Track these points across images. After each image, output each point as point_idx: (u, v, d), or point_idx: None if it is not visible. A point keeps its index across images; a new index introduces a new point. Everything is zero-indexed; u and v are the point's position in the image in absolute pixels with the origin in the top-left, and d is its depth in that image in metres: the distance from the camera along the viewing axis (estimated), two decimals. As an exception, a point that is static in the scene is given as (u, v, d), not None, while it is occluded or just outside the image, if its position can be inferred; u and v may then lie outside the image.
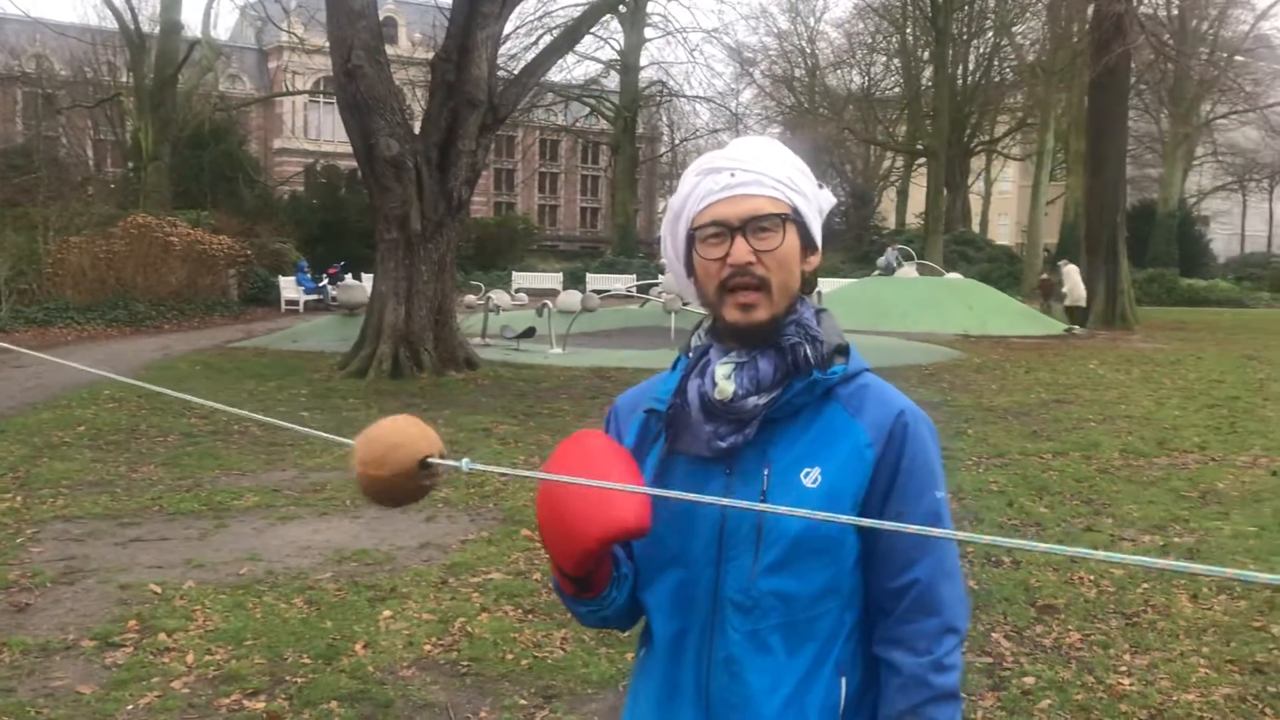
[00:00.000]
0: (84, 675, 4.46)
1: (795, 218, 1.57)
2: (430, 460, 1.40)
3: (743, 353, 1.57)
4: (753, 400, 1.53)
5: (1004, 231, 66.58)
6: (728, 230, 1.54)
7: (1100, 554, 0.97)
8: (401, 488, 1.41)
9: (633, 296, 26.94)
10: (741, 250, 1.53)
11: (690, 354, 1.64)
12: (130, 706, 4.16)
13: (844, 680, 1.55)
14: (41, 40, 42.71)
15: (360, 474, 1.42)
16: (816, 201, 1.62)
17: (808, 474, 1.52)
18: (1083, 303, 24.56)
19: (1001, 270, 40.08)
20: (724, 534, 1.55)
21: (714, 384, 1.56)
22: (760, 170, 1.56)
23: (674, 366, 1.66)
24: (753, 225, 1.53)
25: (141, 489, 7.78)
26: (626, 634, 4.83)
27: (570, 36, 17.95)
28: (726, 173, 1.56)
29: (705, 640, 1.56)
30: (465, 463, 1.39)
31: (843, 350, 1.58)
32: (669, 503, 1.56)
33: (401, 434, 1.42)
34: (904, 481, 1.54)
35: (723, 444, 1.54)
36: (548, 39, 34.30)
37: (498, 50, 15.10)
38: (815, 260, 1.62)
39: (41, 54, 43.14)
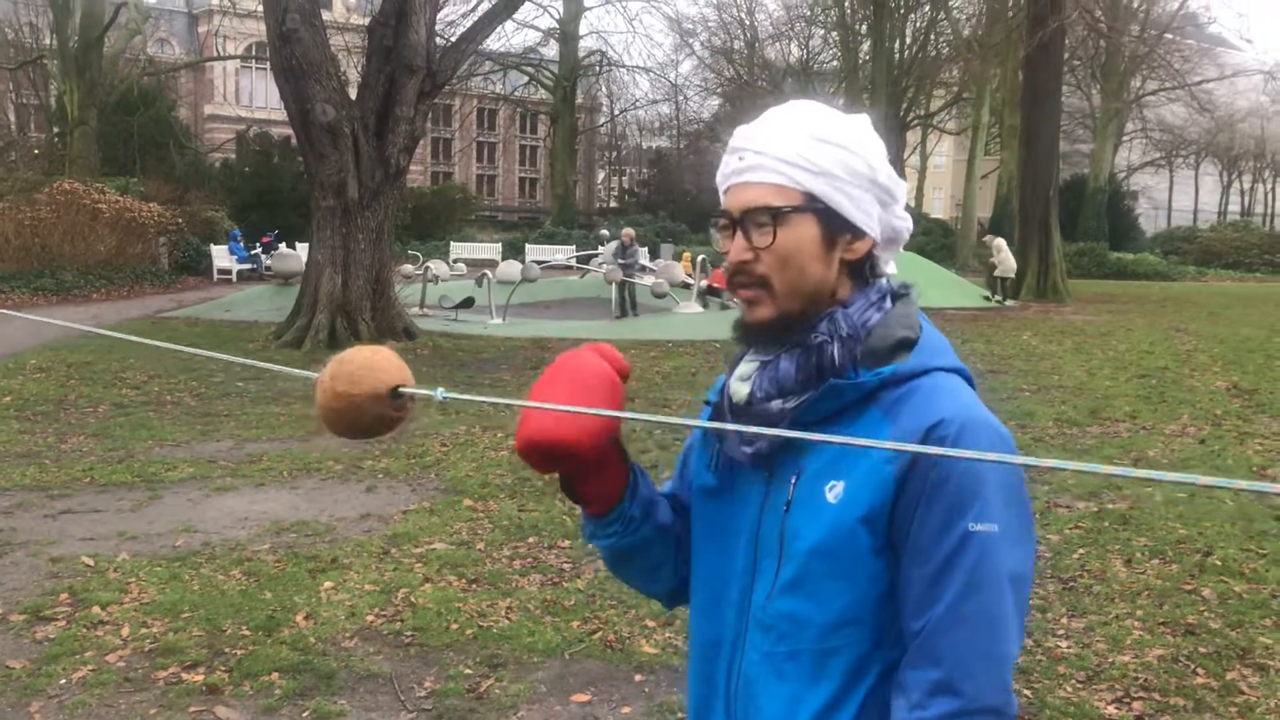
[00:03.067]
0: (14, 650, 4.35)
1: (811, 205, 1.35)
2: (403, 389, 1.34)
3: (768, 351, 1.40)
4: (776, 404, 1.37)
5: (939, 205, 67.37)
6: (732, 222, 1.38)
7: (1139, 472, 0.91)
8: (370, 412, 1.34)
9: (573, 267, 26.78)
10: (738, 246, 1.37)
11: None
12: (63, 681, 4.07)
13: None
14: (-42, 0, 41.18)
15: (329, 390, 1.34)
16: (869, 175, 1.38)
17: (832, 487, 1.34)
18: (1012, 274, 24.96)
19: (937, 243, 40.53)
20: (758, 541, 1.41)
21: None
22: (765, 151, 1.36)
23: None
24: (749, 219, 1.36)
25: (71, 460, 7.59)
26: (572, 602, 4.84)
27: (510, 3, 17.68)
28: (737, 155, 1.39)
29: (736, 653, 1.43)
30: (440, 392, 1.32)
31: (905, 345, 1.37)
32: (716, 512, 1.48)
33: (376, 358, 1.36)
34: (925, 507, 1.29)
35: (748, 449, 1.40)
36: (486, 5, 33.86)
37: (436, 15, 14.87)
38: (862, 246, 1.39)
39: (-41, 14, 41.62)
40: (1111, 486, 7.16)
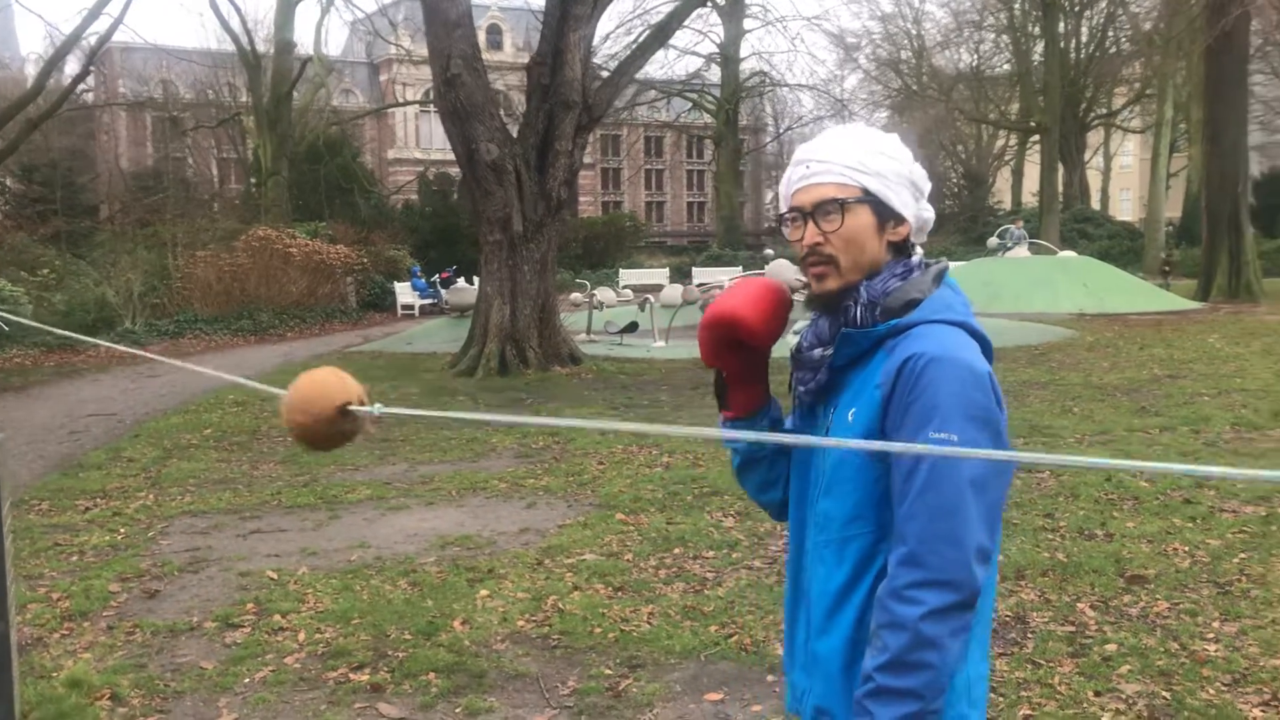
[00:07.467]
0: (206, 653, 4.82)
1: (866, 198, 1.76)
2: (349, 408, 1.54)
3: (818, 313, 1.86)
4: (817, 351, 1.81)
5: (1127, 207, 64.52)
6: (803, 216, 1.79)
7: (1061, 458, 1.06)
8: (324, 432, 1.56)
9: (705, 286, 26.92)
10: (810, 233, 1.78)
11: None
12: (247, 680, 4.49)
13: None
14: (166, 66, 44.59)
15: (288, 419, 1.57)
16: (908, 176, 1.80)
17: (852, 413, 1.75)
18: None
19: (1122, 247, 38.90)
20: (813, 462, 1.86)
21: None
22: (830, 159, 1.77)
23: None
24: (820, 211, 1.77)
25: (262, 485, 8.22)
26: (711, 608, 5.01)
27: (660, 34, 18.09)
28: (804, 165, 1.81)
29: (801, 549, 1.88)
30: (378, 408, 1.54)
31: (913, 304, 1.74)
32: (799, 448, 1.93)
33: (322, 385, 1.57)
34: (900, 419, 1.67)
35: (803, 388, 1.85)
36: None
37: (590, 51, 15.37)
38: (904, 229, 1.80)
39: (167, 79, 45.12)
40: (1284, 490, 6.85)
